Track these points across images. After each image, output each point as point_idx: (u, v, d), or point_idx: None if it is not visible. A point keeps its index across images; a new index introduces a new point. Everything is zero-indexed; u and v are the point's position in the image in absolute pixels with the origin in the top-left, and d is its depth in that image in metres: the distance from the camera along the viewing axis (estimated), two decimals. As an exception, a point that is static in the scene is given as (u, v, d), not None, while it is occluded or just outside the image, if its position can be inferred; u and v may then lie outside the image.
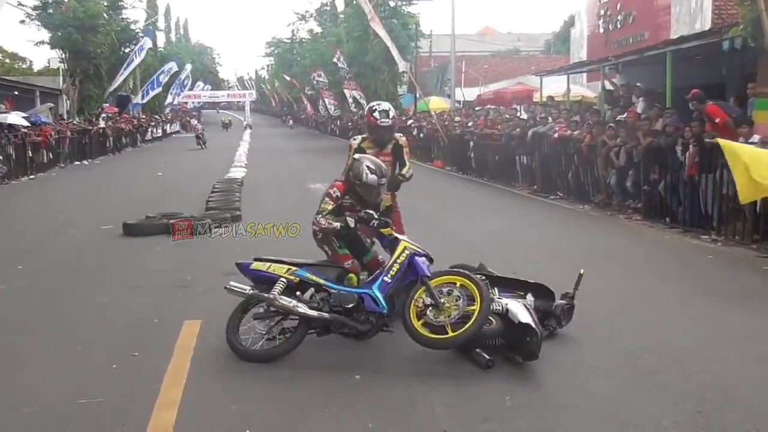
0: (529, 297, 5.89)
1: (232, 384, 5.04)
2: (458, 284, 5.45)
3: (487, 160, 19.31)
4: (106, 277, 8.46)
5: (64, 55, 35.56)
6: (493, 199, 15.85)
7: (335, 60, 42.36)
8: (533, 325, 5.23)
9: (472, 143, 20.50)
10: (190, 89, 61.08)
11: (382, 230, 5.84)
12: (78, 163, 27.06)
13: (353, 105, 43.58)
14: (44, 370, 5.32)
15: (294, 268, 5.70)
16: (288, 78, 67.81)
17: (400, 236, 5.80)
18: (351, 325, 5.50)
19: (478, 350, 5.33)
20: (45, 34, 34.84)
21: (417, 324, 5.34)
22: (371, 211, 5.79)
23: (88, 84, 36.30)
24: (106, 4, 36.88)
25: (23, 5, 33.14)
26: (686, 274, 8.49)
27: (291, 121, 65.40)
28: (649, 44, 17.54)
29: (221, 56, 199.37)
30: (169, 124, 52.87)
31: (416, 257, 5.55)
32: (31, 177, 21.71)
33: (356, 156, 6.24)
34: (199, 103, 73.61)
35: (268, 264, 5.75)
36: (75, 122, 31.53)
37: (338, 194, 5.95)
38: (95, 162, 28.35)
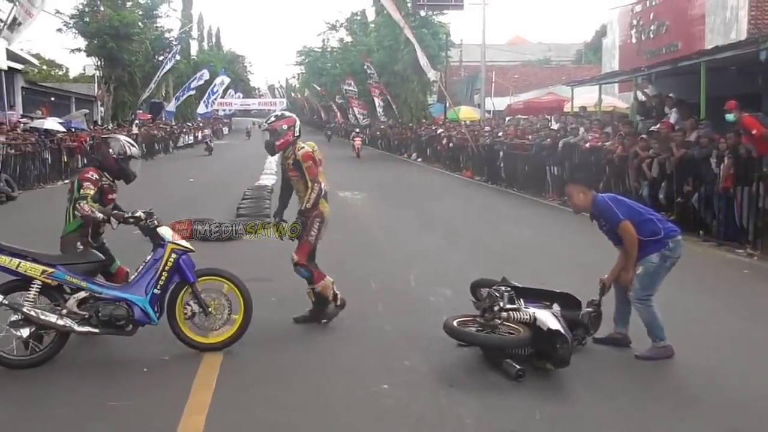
0: (555, 307, 5.83)
1: (259, 390, 5.06)
2: (226, 288, 5.74)
3: (516, 171, 19.22)
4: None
5: (99, 63, 36.14)
6: (522, 209, 15.75)
7: (366, 68, 42.51)
8: (563, 332, 5.18)
9: (501, 153, 20.42)
10: (222, 97, 61.66)
11: (147, 224, 5.71)
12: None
13: (382, 113, 43.68)
14: (76, 371, 5.39)
15: (50, 269, 5.38)
16: (318, 87, 68.24)
17: (164, 235, 5.65)
18: (119, 334, 5.57)
19: (508, 360, 5.29)
20: (81, 42, 35.44)
21: (185, 329, 5.67)
22: (140, 214, 5.65)
23: (123, 91, 36.84)
24: (140, 12, 37.46)
25: (61, 13, 33.82)
26: (720, 289, 8.35)
27: (330, 132, 57.07)
28: (683, 54, 17.34)
29: (252, 65, 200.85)
30: (200, 131, 53.46)
31: (182, 260, 5.59)
32: (66, 182, 22.03)
33: (105, 135, 6.25)
34: (230, 110, 74.30)
35: (17, 261, 5.34)
36: (109, 128, 32.00)
37: (96, 177, 5.81)
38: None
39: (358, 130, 38.39)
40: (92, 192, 5.68)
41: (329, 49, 63.88)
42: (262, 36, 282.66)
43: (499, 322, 5.47)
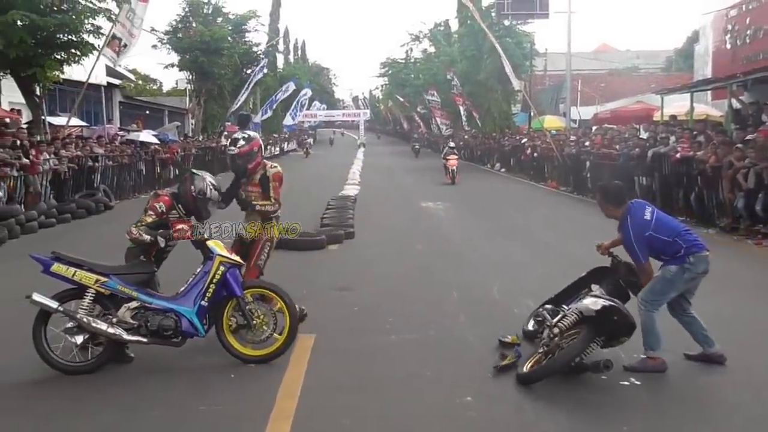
0: (594, 287, 5.73)
1: (343, 398, 5.12)
2: (277, 307, 5.77)
3: (604, 181, 18.76)
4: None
5: (191, 77, 37.43)
6: (609, 220, 15.35)
7: (449, 77, 42.49)
8: (607, 303, 5.23)
9: (588, 163, 20.01)
10: (307, 109, 62.95)
11: (197, 238, 5.89)
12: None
13: (465, 123, 43.51)
14: (169, 376, 5.60)
15: (103, 278, 5.60)
16: (401, 98, 68.64)
17: (213, 248, 5.77)
18: (167, 344, 5.67)
19: (587, 363, 5.23)
20: (174, 57, 36.80)
21: (236, 344, 5.77)
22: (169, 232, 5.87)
23: (212, 104, 38.02)
24: (230, 28, 38.61)
25: (156, 31, 35.26)
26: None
27: (417, 146, 48.04)
28: (782, 60, 16.60)
29: (337, 77, 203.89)
30: (286, 143, 54.66)
31: (229, 274, 5.69)
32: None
33: (196, 171, 6.34)
34: (315, 122, 75.76)
35: (73, 270, 5.58)
36: (199, 140, 33.04)
37: (164, 209, 5.94)
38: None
39: (452, 144, 27.35)
40: (150, 220, 5.93)
41: (412, 60, 64.18)
42: (347, 48, 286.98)
43: (558, 339, 5.36)
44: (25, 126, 18.71)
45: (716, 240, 12.25)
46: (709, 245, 5.78)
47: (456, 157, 25.19)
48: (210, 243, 5.85)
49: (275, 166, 6.75)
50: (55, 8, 17.16)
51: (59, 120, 23.41)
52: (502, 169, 31.87)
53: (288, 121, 55.50)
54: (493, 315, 7.23)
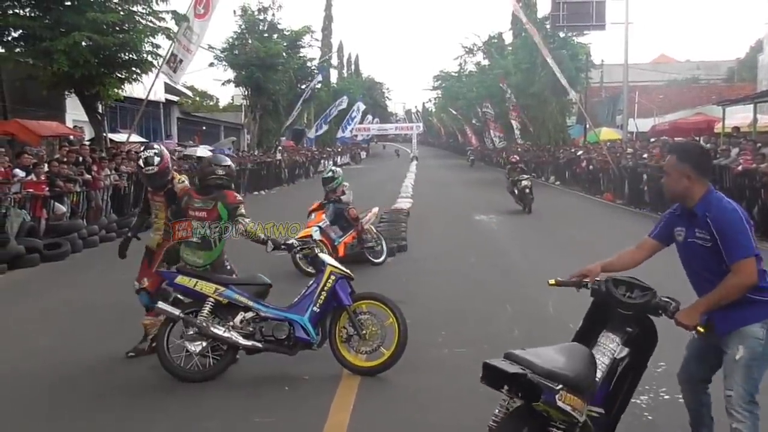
0: (602, 340, 4.10)
1: (396, 412, 5.09)
2: (388, 322, 5.84)
3: (662, 194, 18.35)
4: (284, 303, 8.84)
5: (246, 92, 37.96)
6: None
7: (502, 87, 42.20)
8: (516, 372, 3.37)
9: (645, 176, 19.61)
10: (360, 123, 63.36)
11: (306, 252, 6.18)
12: (256, 193, 28.51)
13: (519, 136, 43.17)
14: (224, 388, 5.65)
15: (222, 288, 5.87)
16: (454, 112, 68.57)
17: (324, 259, 5.97)
18: (281, 351, 5.80)
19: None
20: (231, 74, 37.36)
21: (347, 354, 5.85)
22: (292, 242, 6.17)
23: (267, 119, 38.48)
24: (285, 44, 39.09)
25: (213, 48, 35.92)
26: None
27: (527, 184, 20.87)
28: None
29: (391, 90, 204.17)
30: (339, 156, 55.09)
31: (339, 284, 5.82)
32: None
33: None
34: (368, 135, 76.17)
35: (195, 281, 5.88)
36: (255, 154, 33.50)
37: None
38: (272, 192, 29.91)
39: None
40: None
41: (466, 73, 63.97)
42: (400, 62, 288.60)
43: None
44: (87, 143, 19.31)
45: (782, 254, 11.84)
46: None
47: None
48: (321, 255, 6.05)
49: (183, 180, 6.72)
50: (117, 28, 17.68)
51: (120, 136, 24.07)
52: (557, 182, 31.46)
53: (339, 133, 56.05)
54: (547, 330, 7.10)
